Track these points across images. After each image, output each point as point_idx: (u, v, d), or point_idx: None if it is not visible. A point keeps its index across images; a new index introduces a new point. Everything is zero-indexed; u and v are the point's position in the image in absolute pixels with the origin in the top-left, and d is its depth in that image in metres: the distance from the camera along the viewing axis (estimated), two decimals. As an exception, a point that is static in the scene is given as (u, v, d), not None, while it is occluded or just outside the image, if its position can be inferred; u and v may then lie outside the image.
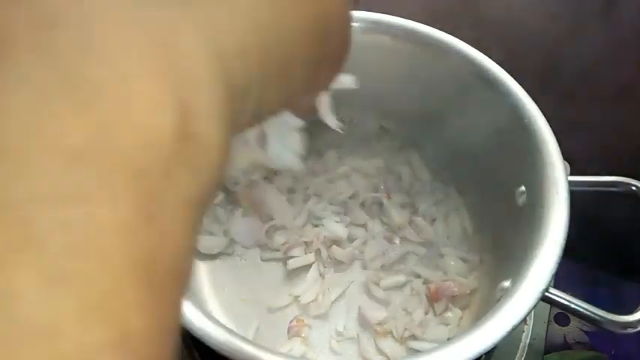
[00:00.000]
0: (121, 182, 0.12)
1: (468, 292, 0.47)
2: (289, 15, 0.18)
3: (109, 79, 0.13)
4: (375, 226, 0.52)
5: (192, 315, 0.33)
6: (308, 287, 0.48)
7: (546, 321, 0.49)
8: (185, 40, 0.15)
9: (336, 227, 0.51)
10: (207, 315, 0.33)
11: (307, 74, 0.20)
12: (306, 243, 0.50)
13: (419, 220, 0.52)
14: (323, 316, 0.46)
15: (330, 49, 0.20)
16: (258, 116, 0.19)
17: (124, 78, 0.13)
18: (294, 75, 0.19)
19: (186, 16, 0.15)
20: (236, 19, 0.16)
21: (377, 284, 0.48)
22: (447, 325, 0.46)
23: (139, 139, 0.13)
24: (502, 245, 0.45)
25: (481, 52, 0.47)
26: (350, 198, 0.54)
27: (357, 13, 0.50)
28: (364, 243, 0.51)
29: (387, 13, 0.50)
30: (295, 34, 0.18)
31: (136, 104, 0.13)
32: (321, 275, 0.48)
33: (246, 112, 0.17)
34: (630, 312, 0.36)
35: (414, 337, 0.45)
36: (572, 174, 0.40)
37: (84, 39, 0.13)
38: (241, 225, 0.50)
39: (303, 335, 0.45)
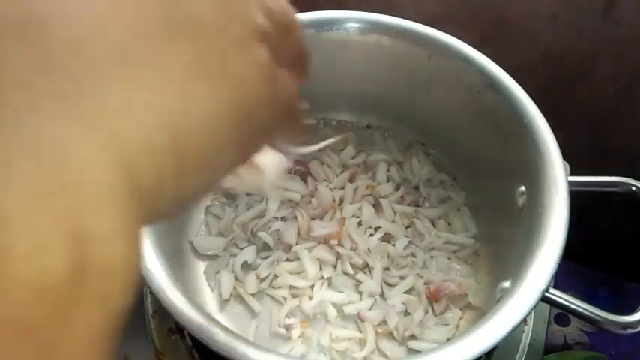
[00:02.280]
0: (11, 344, 0.11)
1: (468, 292, 0.47)
2: (203, 103, 0.16)
3: None
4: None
5: (192, 315, 0.33)
6: (309, 287, 0.48)
7: (546, 321, 0.49)
8: (79, 151, 0.13)
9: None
10: (207, 315, 0.33)
11: (233, 152, 0.19)
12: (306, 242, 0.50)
13: (419, 220, 0.52)
14: (323, 316, 0.47)
15: (256, 122, 0.19)
16: (182, 199, 0.17)
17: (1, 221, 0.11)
18: (218, 157, 0.18)
19: (79, 125, 0.14)
20: (140, 119, 0.15)
21: (378, 284, 0.48)
22: (447, 325, 0.46)
23: (24, 293, 0.11)
24: (502, 245, 0.45)
25: (481, 52, 0.47)
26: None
27: (357, 14, 0.50)
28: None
29: (387, 13, 0.50)
30: (213, 119, 0.17)
31: (17, 252, 0.11)
32: (322, 275, 0.48)
33: (164, 201, 0.16)
34: (630, 312, 0.36)
35: (414, 337, 0.45)
36: (572, 174, 0.40)
37: None
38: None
39: (303, 335, 0.45)
